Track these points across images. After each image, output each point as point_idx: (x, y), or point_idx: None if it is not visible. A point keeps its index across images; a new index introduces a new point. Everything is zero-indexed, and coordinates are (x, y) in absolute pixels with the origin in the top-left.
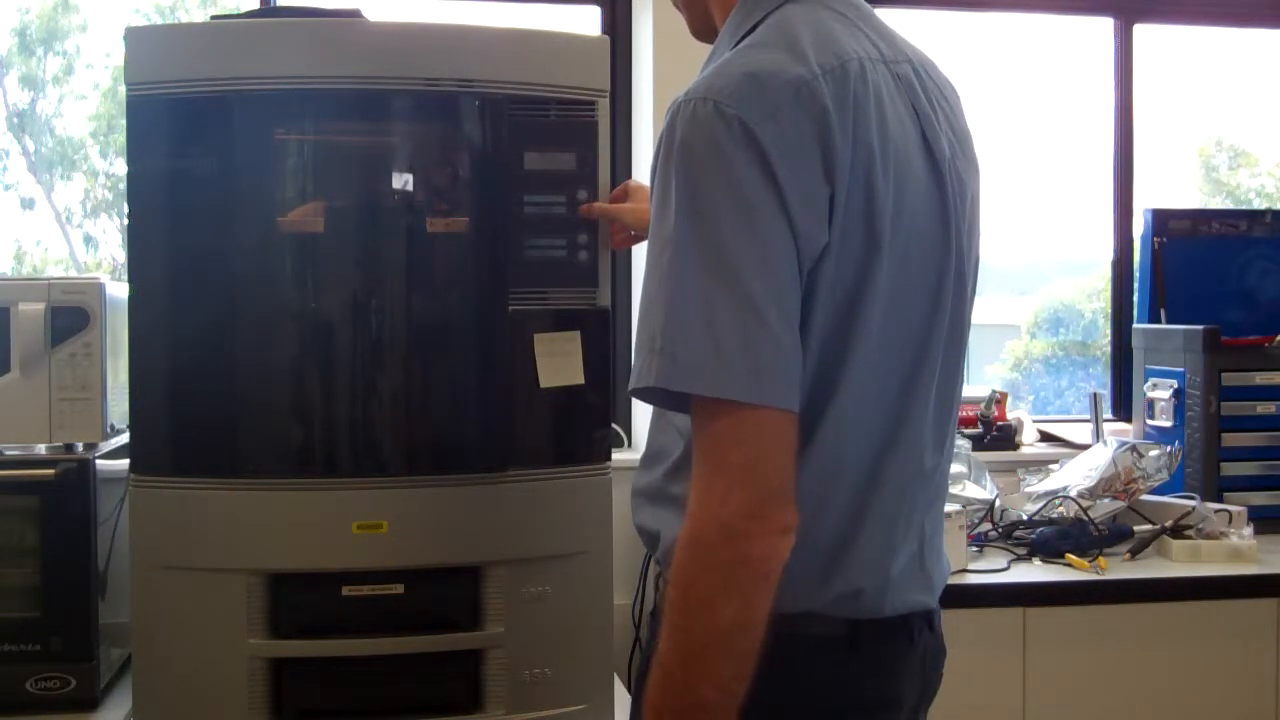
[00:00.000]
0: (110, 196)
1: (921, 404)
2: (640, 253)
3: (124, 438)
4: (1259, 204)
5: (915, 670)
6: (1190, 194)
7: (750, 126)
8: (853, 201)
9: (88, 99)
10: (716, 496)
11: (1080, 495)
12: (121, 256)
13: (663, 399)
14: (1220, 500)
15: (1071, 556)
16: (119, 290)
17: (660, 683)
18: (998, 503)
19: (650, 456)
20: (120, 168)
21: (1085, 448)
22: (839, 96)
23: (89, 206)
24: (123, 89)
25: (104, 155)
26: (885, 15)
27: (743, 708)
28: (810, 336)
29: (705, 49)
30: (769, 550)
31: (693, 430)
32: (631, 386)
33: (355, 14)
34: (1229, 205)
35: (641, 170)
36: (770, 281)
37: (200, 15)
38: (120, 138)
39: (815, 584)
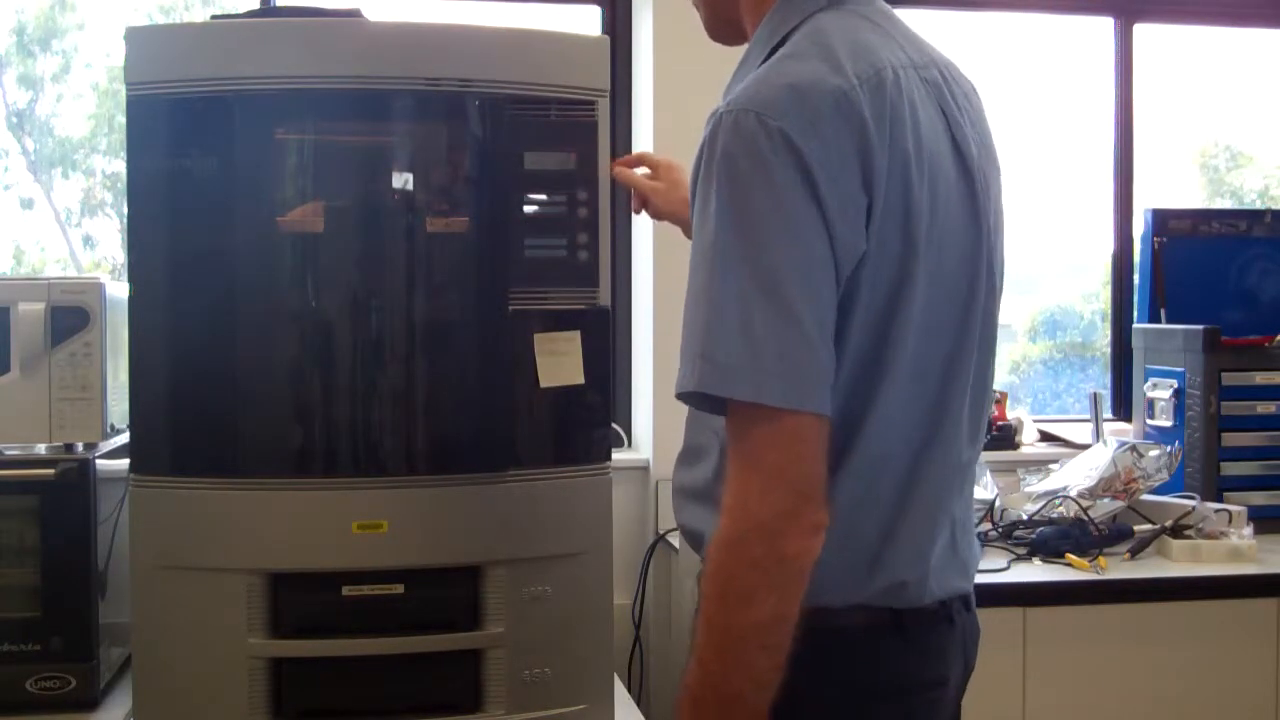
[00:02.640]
0: (110, 196)
1: (958, 400)
2: (641, 254)
3: (124, 438)
4: (1259, 204)
5: (957, 649)
6: (1191, 194)
7: (792, 138)
8: (890, 209)
9: (86, 99)
10: (753, 497)
11: (1080, 495)
12: (120, 256)
13: (703, 403)
14: (1220, 500)
15: (1071, 556)
16: (119, 290)
17: (698, 676)
18: (998, 502)
19: (689, 453)
20: (119, 167)
21: (1085, 448)
22: (876, 106)
23: (88, 206)
24: (121, 88)
25: (103, 154)
26: None
27: (809, 697)
28: (850, 339)
29: (705, 49)
30: (803, 548)
31: (728, 433)
32: (677, 392)
33: (355, 14)
34: (1230, 205)
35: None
36: (808, 290)
37: (201, 15)
38: (119, 137)
39: (861, 578)
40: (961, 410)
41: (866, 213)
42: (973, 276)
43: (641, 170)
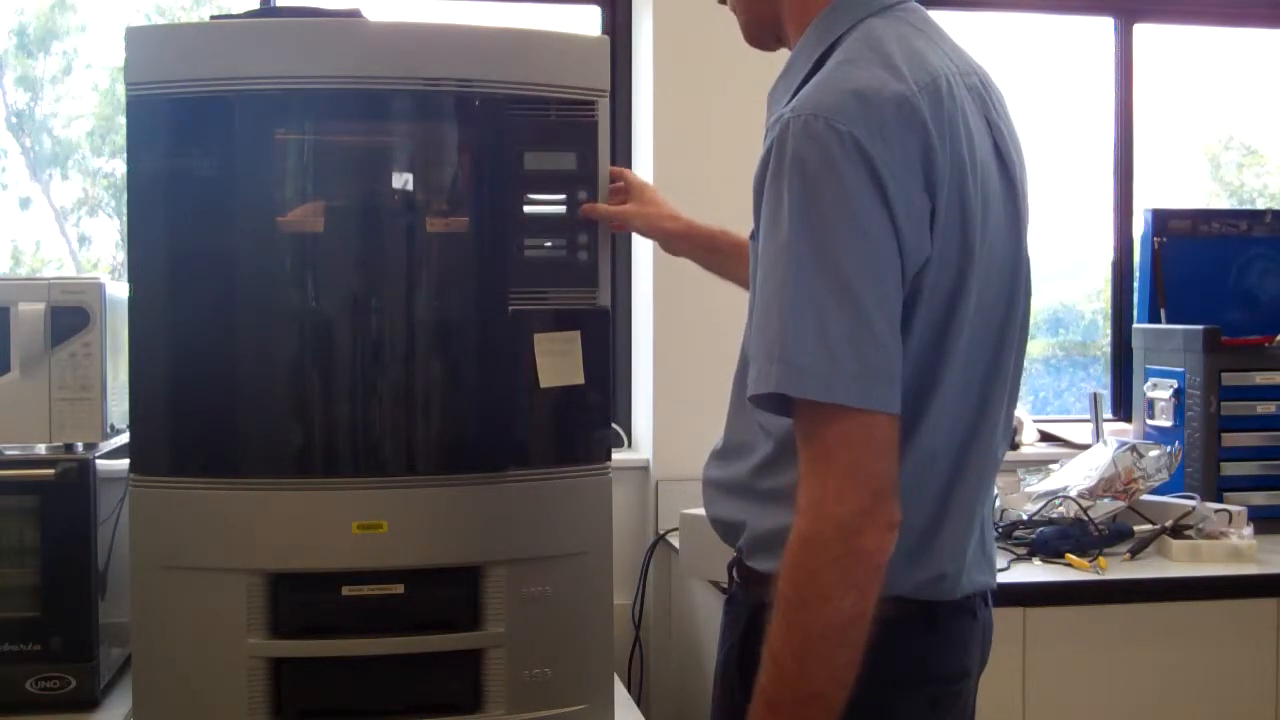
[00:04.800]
0: (108, 197)
1: (999, 398)
2: (641, 254)
3: (124, 438)
4: (1264, 203)
5: (978, 643)
6: (1196, 193)
7: (862, 142)
8: (950, 213)
9: (84, 99)
10: (830, 496)
11: (1080, 495)
12: (119, 256)
13: (772, 404)
14: (1220, 500)
15: (1071, 556)
16: (119, 290)
17: (774, 676)
18: (998, 502)
19: (730, 450)
20: (116, 167)
21: (1085, 448)
22: (935, 112)
23: (86, 206)
24: (120, 88)
25: (103, 155)
26: None
27: None
28: (911, 341)
29: (705, 49)
30: (880, 544)
31: (801, 433)
32: (751, 393)
33: (355, 14)
34: (1234, 204)
35: (642, 169)
36: (879, 291)
37: (199, 15)
38: (117, 137)
39: (904, 569)
40: (1000, 411)
41: (930, 217)
42: (1013, 281)
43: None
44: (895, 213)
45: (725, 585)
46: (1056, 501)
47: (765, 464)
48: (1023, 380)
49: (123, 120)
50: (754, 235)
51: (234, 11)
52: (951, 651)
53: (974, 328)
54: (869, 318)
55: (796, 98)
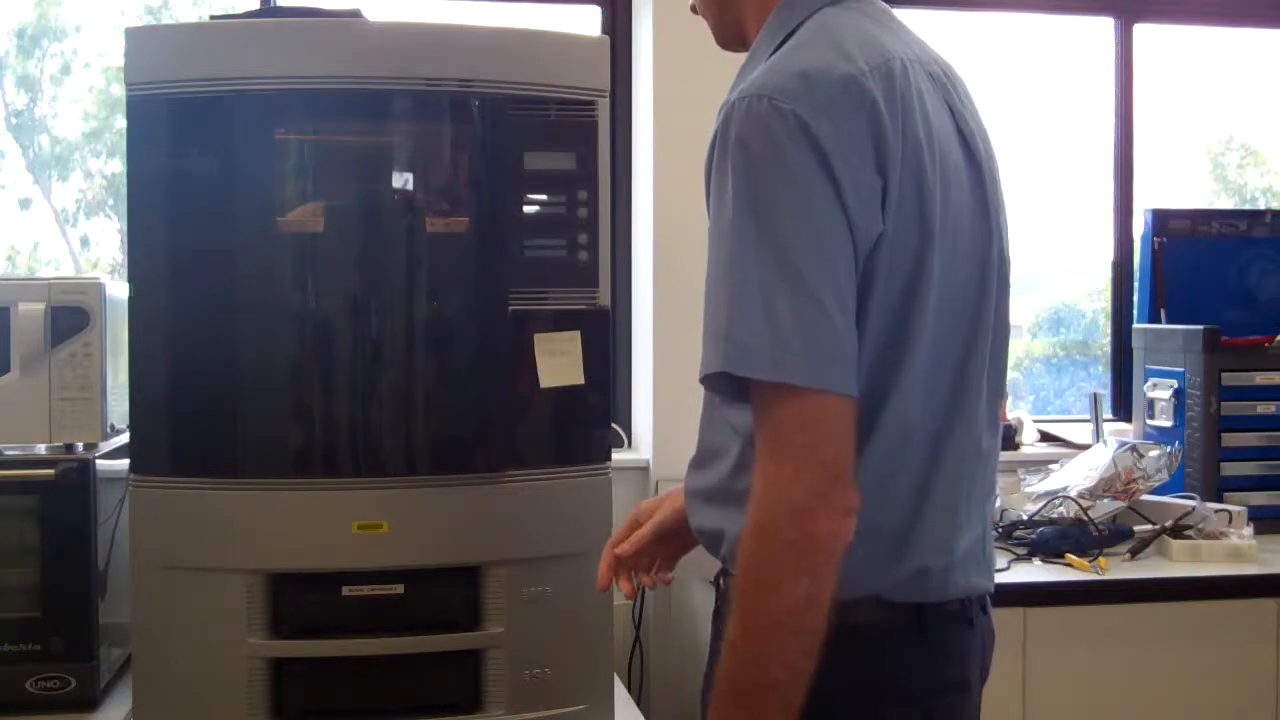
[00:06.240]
0: (106, 196)
1: (975, 386)
2: (640, 253)
3: (124, 438)
4: (1265, 203)
5: (976, 652)
6: (1196, 193)
7: (805, 121)
8: (905, 193)
9: (84, 100)
10: (783, 479)
11: (1080, 495)
12: (117, 256)
13: (726, 387)
14: (1220, 500)
15: (1071, 556)
16: (119, 290)
17: (731, 664)
18: (998, 503)
19: (704, 456)
20: (115, 168)
21: (1085, 448)
22: (887, 92)
23: (85, 207)
24: (117, 89)
25: (100, 156)
26: None
27: (822, 695)
28: (870, 323)
29: (705, 49)
30: (835, 529)
31: (755, 417)
32: (700, 374)
33: (355, 14)
34: (1235, 204)
35: (642, 169)
36: (827, 270)
37: (189, 15)
38: (114, 138)
39: (883, 564)
40: (979, 395)
41: (882, 195)
42: (984, 264)
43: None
44: (843, 191)
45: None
46: (1056, 502)
47: (738, 465)
48: (1022, 380)
49: (118, 120)
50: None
51: (233, 11)
52: (947, 661)
53: (941, 312)
54: (817, 297)
55: (744, 82)
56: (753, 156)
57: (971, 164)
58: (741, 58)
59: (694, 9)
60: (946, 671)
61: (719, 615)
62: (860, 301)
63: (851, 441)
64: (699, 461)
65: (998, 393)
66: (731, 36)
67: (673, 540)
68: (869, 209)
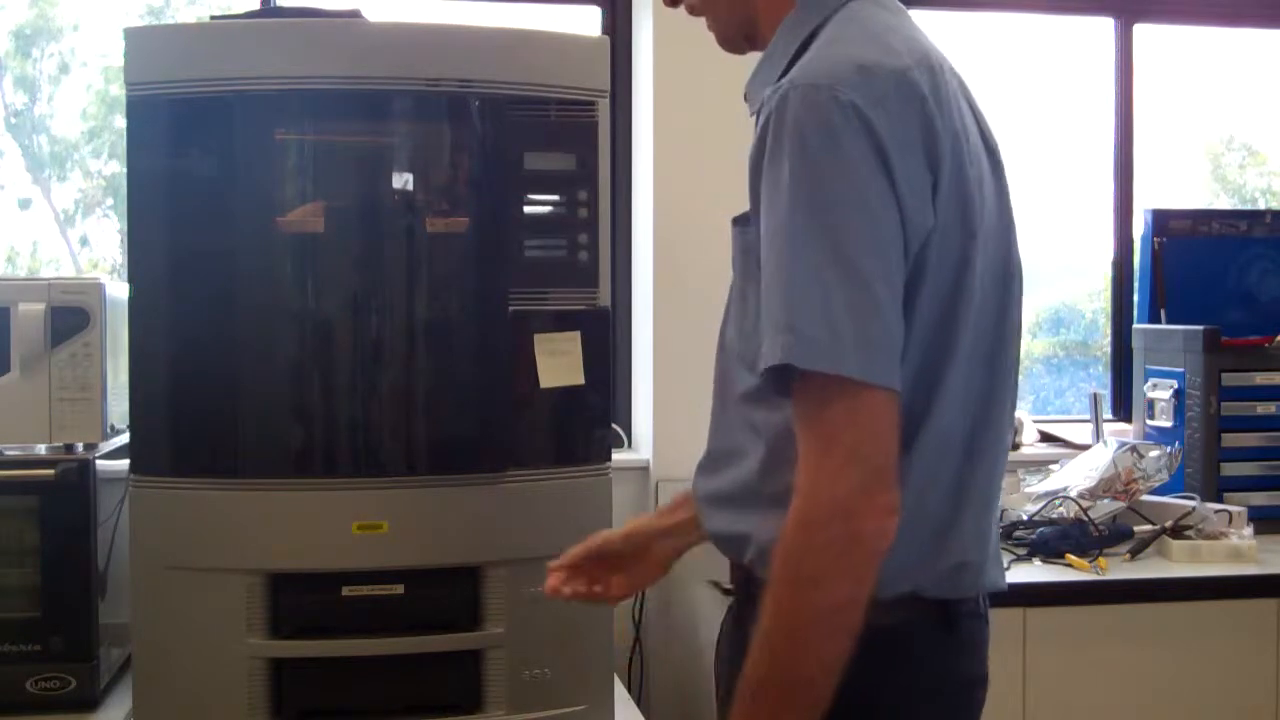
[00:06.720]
0: (106, 197)
1: (1004, 382)
2: (640, 253)
3: (124, 438)
4: (1265, 203)
5: (988, 646)
6: (1197, 193)
7: (865, 112)
8: (950, 188)
9: (83, 100)
10: (828, 476)
11: (1080, 496)
12: (116, 256)
13: (772, 384)
14: (1220, 500)
15: (1071, 557)
16: (119, 290)
17: (764, 660)
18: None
19: (717, 459)
20: (114, 168)
21: (1085, 448)
22: (933, 87)
23: (84, 207)
24: (116, 88)
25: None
26: None
27: (858, 698)
28: (918, 319)
29: (705, 49)
30: (879, 529)
31: (800, 411)
32: (762, 366)
33: (355, 14)
34: (1236, 204)
35: (642, 169)
36: (881, 262)
37: (189, 15)
38: (114, 138)
39: (925, 559)
40: (1007, 394)
41: (932, 190)
42: (1007, 263)
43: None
44: (897, 184)
45: (726, 586)
46: (1057, 502)
47: (766, 466)
48: (1022, 380)
49: (118, 120)
50: (744, 219)
51: (233, 11)
52: (972, 657)
53: (980, 307)
54: (872, 290)
55: (794, 70)
56: (810, 146)
57: (992, 161)
58: (745, 61)
59: (691, 9)
60: (972, 667)
61: (741, 620)
62: (909, 297)
63: (896, 440)
64: (711, 465)
65: (1017, 387)
66: (738, 35)
67: (613, 560)
68: (921, 203)
